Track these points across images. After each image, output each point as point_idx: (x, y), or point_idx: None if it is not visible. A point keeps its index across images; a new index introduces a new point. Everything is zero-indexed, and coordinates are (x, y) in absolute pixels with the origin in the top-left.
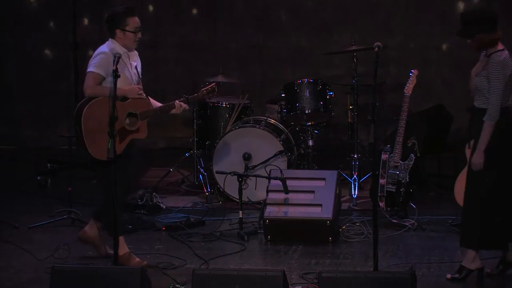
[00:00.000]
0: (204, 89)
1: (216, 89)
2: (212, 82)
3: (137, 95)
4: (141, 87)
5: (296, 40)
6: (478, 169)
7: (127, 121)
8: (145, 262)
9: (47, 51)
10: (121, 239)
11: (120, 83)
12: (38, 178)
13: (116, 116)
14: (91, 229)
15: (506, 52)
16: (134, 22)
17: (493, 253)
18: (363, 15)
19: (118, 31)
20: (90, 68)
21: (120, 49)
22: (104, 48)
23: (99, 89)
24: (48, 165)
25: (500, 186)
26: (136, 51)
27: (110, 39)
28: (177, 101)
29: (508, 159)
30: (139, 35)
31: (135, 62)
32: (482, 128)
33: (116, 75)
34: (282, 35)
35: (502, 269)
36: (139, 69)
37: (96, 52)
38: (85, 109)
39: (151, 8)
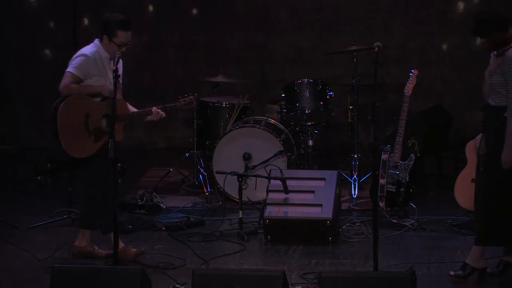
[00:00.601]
0: (182, 100)
1: (194, 102)
2: (190, 94)
3: (110, 95)
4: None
5: (296, 40)
6: (509, 166)
7: (104, 122)
8: (143, 249)
9: (47, 51)
10: (110, 237)
11: (100, 83)
12: (38, 178)
13: (115, 116)
14: (80, 241)
15: None
16: (123, 36)
17: (493, 253)
18: (363, 15)
19: (105, 37)
20: (69, 68)
21: (102, 53)
22: (86, 50)
23: (75, 88)
24: (48, 165)
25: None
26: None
27: (96, 40)
28: (154, 108)
29: None
30: (124, 49)
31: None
32: (506, 125)
33: (116, 75)
34: (282, 35)
35: (502, 269)
36: (121, 73)
37: (78, 53)
38: (60, 105)
39: (151, 8)
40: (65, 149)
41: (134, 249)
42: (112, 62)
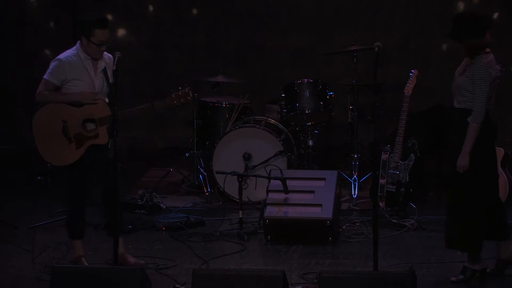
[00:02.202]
0: (174, 94)
1: (190, 94)
2: (186, 86)
3: (91, 100)
4: (96, 92)
5: (296, 40)
6: (463, 171)
7: (87, 127)
8: (142, 262)
9: (47, 51)
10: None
11: (79, 88)
12: (38, 178)
13: (116, 117)
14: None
15: (492, 56)
16: (101, 35)
17: (492, 254)
18: (363, 15)
19: (83, 38)
20: (44, 75)
21: (82, 55)
22: (62, 54)
23: (48, 96)
24: (48, 165)
25: (481, 188)
26: (109, 55)
27: (78, 42)
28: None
29: (486, 161)
30: (104, 48)
31: (104, 66)
32: (467, 129)
33: (116, 75)
34: (282, 35)
35: (501, 268)
36: (109, 73)
37: (54, 58)
38: (34, 114)
39: (151, 8)
40: (46, 159)
41: (134, 259)
42: (98, 62)
